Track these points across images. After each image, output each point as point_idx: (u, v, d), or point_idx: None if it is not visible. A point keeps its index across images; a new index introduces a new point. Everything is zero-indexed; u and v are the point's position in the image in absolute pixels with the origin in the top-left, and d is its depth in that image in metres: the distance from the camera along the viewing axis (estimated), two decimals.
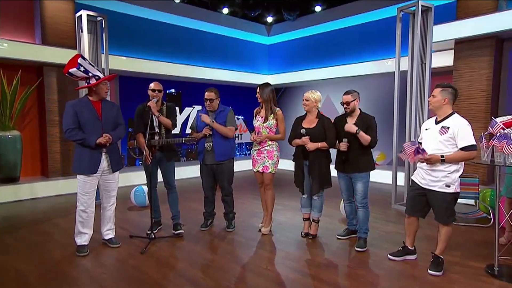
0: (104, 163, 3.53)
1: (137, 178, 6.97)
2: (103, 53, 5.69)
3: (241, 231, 4.25)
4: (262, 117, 4.03)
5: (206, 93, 3.99)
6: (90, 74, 3.47)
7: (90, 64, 3.51)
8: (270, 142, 4.03)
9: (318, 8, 7.99)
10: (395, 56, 5.38)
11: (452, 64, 5.92)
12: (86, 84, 3.50)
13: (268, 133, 4.00)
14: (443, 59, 6.10)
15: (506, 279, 2.94)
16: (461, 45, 5.76)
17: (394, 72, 5.40)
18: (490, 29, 5.35)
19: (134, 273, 3.11)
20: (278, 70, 10.21)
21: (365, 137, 3.51)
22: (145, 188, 5.41)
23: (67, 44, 6.44)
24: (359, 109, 3.69)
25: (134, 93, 7.91)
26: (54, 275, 3.09)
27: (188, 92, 8.92)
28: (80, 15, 5.41)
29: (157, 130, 3.88)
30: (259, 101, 4.04)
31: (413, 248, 3.38)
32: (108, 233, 3.76)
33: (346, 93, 3.67)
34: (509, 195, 3.60)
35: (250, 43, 10.15)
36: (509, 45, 5.74)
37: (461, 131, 2.88)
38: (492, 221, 4.45)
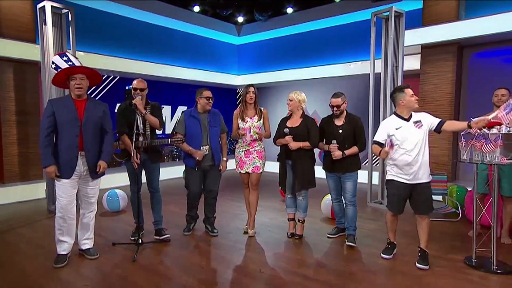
0: (81, 167, 3.22)
1: (109, 181, 6.58)
2: (70, 49, 5.29)
3: (226, 234, 4.15)
4: (251, 117, 3.97)
5: (206, 92, 3.93)
6: (59, 70, 3.18)
7: (66, 61, 3.20)
8: (259, 142, 3.99)
9: (290, 10, 8.06)
10: (369, 59, 5.59)
11: (419, 67, 6.26)
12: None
13: (257, 133, 3.95)
14: (411, 63, 6.42)
15: (484, 270, 3.14)
16: (428, 50, 6.11)
17: (365, 74, 5.62)
18: (453, 36, 5.74)
19: (123, 284, 2.91)
20: (248, 70, 10.20)
21: (353, 152, 3.68)
22: (118, 192, 5.14)
23: (26, 37, 5.92)
24: (346, 110, 3.78)
25: (98, 91, 7.47)
26: None
27: (154, 91, 8.59)
28: (43, 7, 4.98)
29: (141, 130, 3.65)
30: (251, 102, 3.94)
31: (395, 242, 3.54)
32: (86, 242, 3.45)
33: (335, 96, 3.73)
34: (480, 191, 3.85)
35: (219, 43, 10.01)
36: (468, 51, 6.19)
37: (427, 117, 3.25)
38: (460, 215, 4.76)
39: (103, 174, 3.40)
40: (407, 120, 3.23)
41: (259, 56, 10.07)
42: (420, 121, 3.20)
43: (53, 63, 3.23)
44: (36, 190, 5.91)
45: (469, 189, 4.97)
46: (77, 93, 3.18)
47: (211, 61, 9.71)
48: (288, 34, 9.30)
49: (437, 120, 3.20)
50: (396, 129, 3.24)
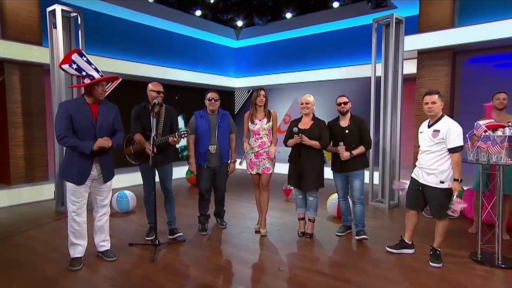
0: (95, 172, 3.25)
1: (118, 182, 6.59)
2: None
3: (238, 234, 4.25)
4: (260, 120, 4.08)
5: (210, 93, 4.08)
6: (84, 73, 3.15)
7: (88, 62, 3.19)
8: (269, 144, 4.11)
9: (289, 15, 8.21)
10: (365, 63, 5.81)
11: (416, 72, 6.50)
12: (81, 83, 3.23)
13: (267, 134, 4.09)
14: (408, 67, 6.63)
15: (489, 265, 3.33)
16: (424, 55, 6.36)
17: (362, 77, 5.82)
18: (447, 42, 6.01)
19: (147, 284, 2.98)
20: (245, 73, 10.33)
21: (360, 151, 3.90)
22: (128, 192, 5.20)
23: (31, 39, 5.92)
24: (350, 112, 4.04)
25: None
26: None
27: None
28: (53, 10, 5.01)
29: (154, 131, 3.60)
30: (261, 104, 4.07)
31: (411, 242, 3.63)
32: (103, 244, 3.48)
33: (342, 96, 4.04)
34: (478, 189, 4.04)
35: (218, 46, 10.13)
36: (461, 57, 6.49)
37: (450, 134, 3.16)
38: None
39: (113, 176, 3.43)
40: (429, 126, 3.34)
41: (257, 59, 10.21)
42: (438, 131, 3.20)
43: (73, 62, 3.11)
44: (41, 192, 5.91)
45: (465, 188, 5.19)
46: (101, 98, 3.25)
47: (209, 63, 9.83)
48: (286, 38, 9.48)
49: (451, 145, 3.16)
50: (420, 132, 3.44)
